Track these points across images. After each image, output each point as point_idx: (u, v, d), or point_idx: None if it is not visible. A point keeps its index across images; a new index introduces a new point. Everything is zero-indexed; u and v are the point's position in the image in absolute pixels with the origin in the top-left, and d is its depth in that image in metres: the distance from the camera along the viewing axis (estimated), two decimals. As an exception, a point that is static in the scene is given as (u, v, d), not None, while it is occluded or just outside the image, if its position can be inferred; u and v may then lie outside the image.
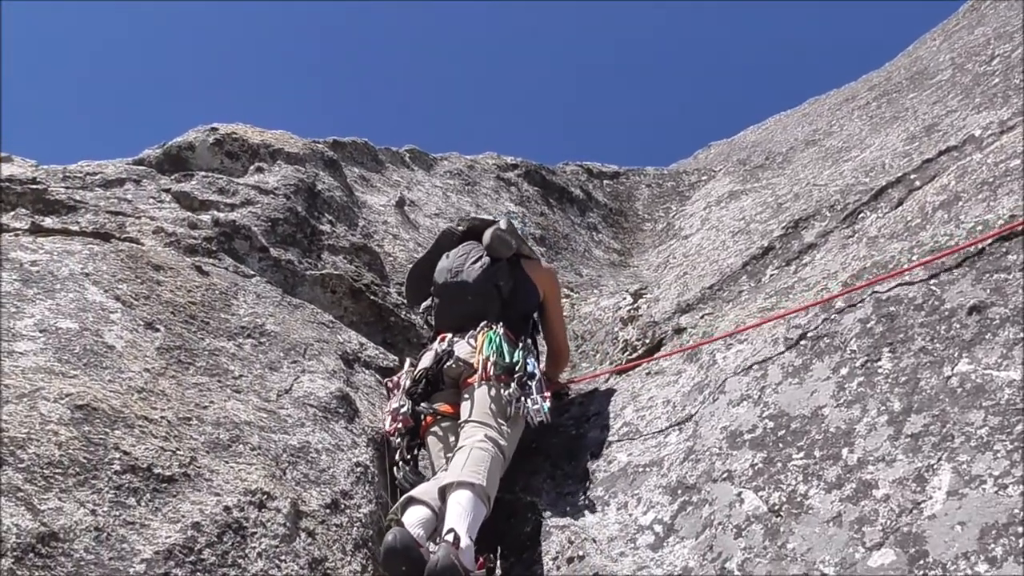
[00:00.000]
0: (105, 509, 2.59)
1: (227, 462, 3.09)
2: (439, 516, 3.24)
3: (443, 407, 3.83)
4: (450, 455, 3.55)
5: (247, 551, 2.81)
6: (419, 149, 7.30)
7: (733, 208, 6.70)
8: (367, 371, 4.32)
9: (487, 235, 4.19)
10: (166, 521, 2.70)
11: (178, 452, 2.95)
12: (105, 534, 2.53)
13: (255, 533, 2.89)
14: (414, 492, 3.39)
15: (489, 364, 3.71)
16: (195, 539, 2.70)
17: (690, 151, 12.42)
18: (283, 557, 2.90)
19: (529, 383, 3.69)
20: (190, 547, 2.67)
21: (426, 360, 3.99)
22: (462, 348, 3.88)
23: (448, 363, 3.87)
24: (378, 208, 5.88)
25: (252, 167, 5.21)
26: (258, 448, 3.25)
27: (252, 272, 4.44)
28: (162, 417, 3.06)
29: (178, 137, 5.18)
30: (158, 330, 3.54)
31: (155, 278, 3.84)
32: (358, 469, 3.55)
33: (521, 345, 3.89)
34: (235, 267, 4.38)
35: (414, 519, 3.24)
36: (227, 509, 2.87)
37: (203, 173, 4.95)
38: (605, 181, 8.85)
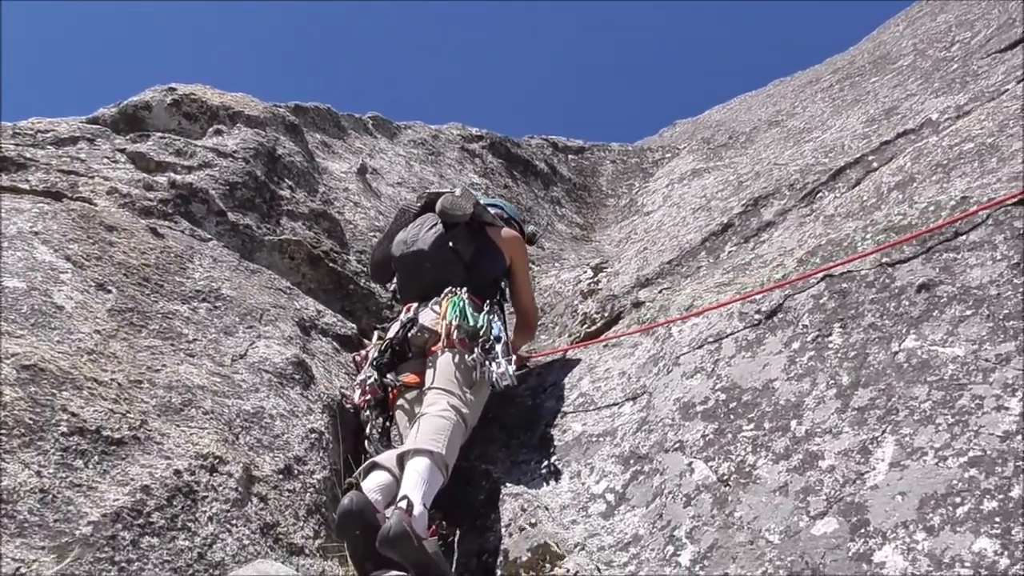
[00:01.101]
0: (51, 471, 2.55)
1: (179, 426, 3.05)
2: (400, 483, 3.24)
3: (409, 378, 3.81)
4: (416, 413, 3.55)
5: (197, 515, 2.80)
6: (383, 117, 7.22)
7: (695, 185, 6.74)
8: (324, 338, 4.29)
9: (439, 201, 4.18)
10: (114, 484, 2.67)
11: (128, 415, 2.91)
12: (51, 496, 2.49)
13: (206, 497, 2.87)
14: (377, 458, 3.39)
15: (453, 329, 3.70)
16: (144, 502, 2.67)
17: (656, 128, 12.45)
18: (234, 521, 2.89)
19: (495, 347, 3.67)
20: (139, 510, 2.64)
21: (392, 331, 3.98)
22: (426, 316, 3.87)
23: (413, 331, 3.86)
24: (339, 175, 5.82)
25: (211, 129, 5.11)
26: (211, 412, 3.22)
27: (209, 236, 4.37)
28: (112, 379, 3.01)
29: (134, 96, 5.06)
30: (110, 292, 3.47)
31: (108, 239, 3.76)
32: (312, 435, 3.54)
33: (487, 309, 3.88)
34: (191, 230, 4.31)
35: (373, 484, 3.25)
36: (177, 473, 2.84)
37: (160, 134, 4.85)
38: (570, 156, 8.84)
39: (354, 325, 4.60)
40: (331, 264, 4.82)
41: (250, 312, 3.94)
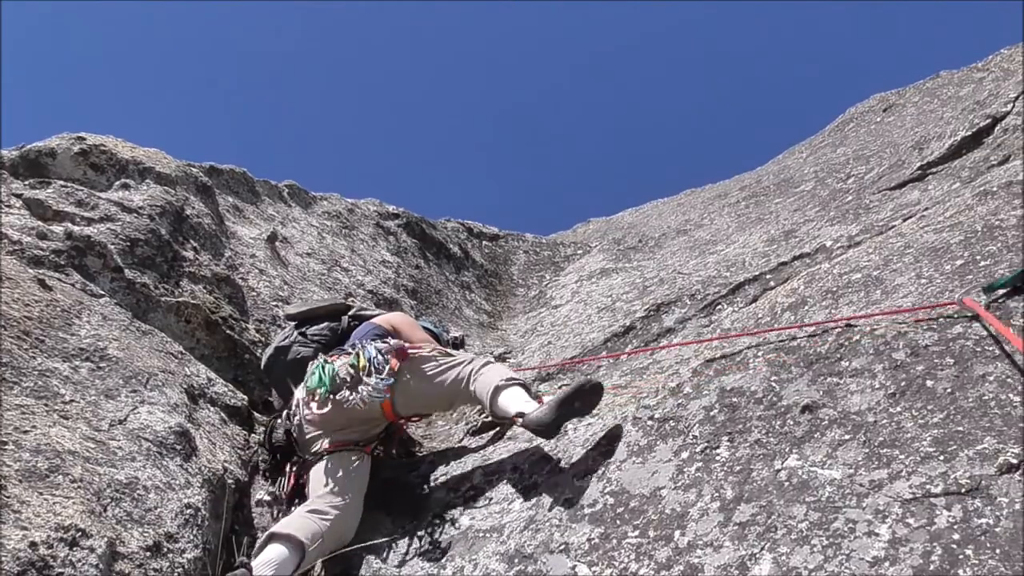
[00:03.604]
0: None
1: (41, 493, 2.86)
2: (302, 551, 3.24)
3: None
4: (320, 485, 3.61)
5: (49, 593, 2.60)
6: (299, 185, 7.19)
7: (603, 285, 6.90)
8: (212, 408, 4.13)
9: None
10: (-41, 555, 2.46)
11: (-14, 478, 2.72)
12: None
13: (62, 574, 2.67)
14: (275, 528, 3.34)
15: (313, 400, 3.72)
16: (-10, 576, 2.47)
17: (570, 222, 12.80)
18: (89, 602, 2.69)
19: (371, 372, 3.66)
20: (-18, 585, 2.44)
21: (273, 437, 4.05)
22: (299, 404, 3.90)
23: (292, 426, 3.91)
24: (248, 240, 5.72)
25: (117, 183, 4.97)
26: (79, 480, 3.03)
27: (102, 292, 4.21)
28: (-27, 438, 2.82)
29: (39, 141, 4.90)
30: (-16, 343, 3.28)
31: (-10, 287, 3.58)
32: (188, 511, 3.37)
33: (357, 347, 3.83)
34: (83, 284, 4.14)
35: (264, 559, 3.15)
36: (33, 545, 2.64)
37: (62, 182, 4.69)
38: (484, 242, 8.96)
39: (245, 396, 4.46)
40: (228, 331, 4.69)
41: (136, 375, 3.78)
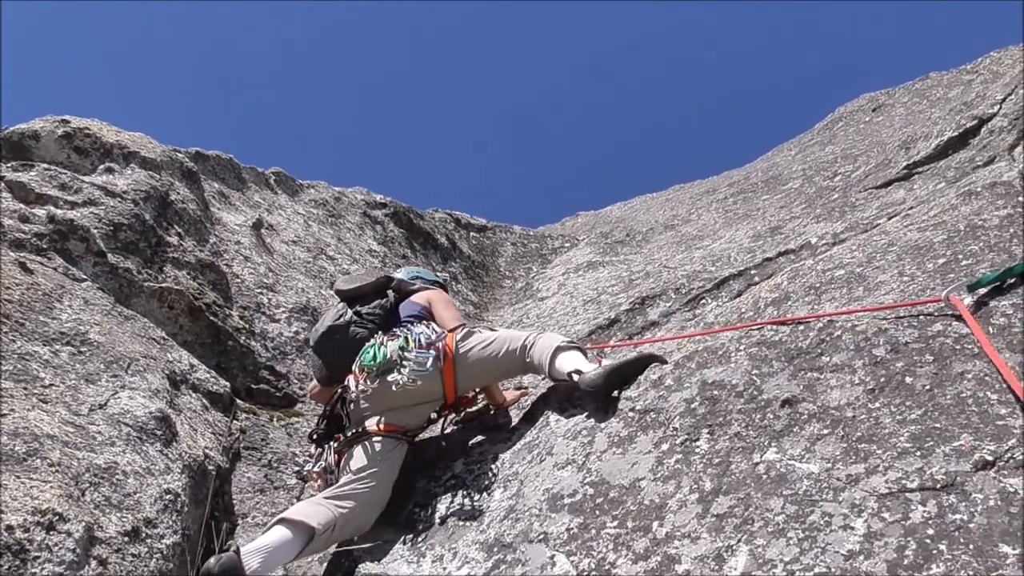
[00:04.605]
0: None
1: (19, 477, 2.85)
2: (309, 537, 3.24)
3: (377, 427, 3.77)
4: (350, 469, 3.61)
5: (25, 576, 2.59)
6: (286, 173, 7.16)
7: (589, 277, 6.91)
8: (194, 394, 4.12)
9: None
10: (-66, 536, 2.45)
11: (-37, 461, 2.70)
12: None
13: (38, 558, 2.67)
14: (286, 512, 3.34)
15: (362, 377, 3.71)
16: (-34, 558, 2.46)
17: (558, 216, 12.82)
18: (66, 585, 2.69)
19: (412, 349, 3.68)
20: (-42, 567, 2.43)
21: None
22: (352, 380, 3.85)
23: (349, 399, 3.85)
24: (233, 227, 5.69)
25: (102, 167, 4.94)
26: (57, 464, 3.02)
27: (84, 276, 4.18)
28: (-49, 420, 2.80)
29: (23, 124, 4.86)
30: (-37, 325, 3.26)
31: (-30, 269, 3.55)
32: (167, 496, 3.36)
33: (405, 331, 3.84)
34: (65, 268, 4.11)
35: (259, 544, 3.14)
36: (9, 529, 2.64)
37: (45, 165, 4.66)
38: (472, 233, 8.95)
39: (228, 383, 4.44)
40: (212, 317, 4.68)
41: (117, 360, 3.76)
